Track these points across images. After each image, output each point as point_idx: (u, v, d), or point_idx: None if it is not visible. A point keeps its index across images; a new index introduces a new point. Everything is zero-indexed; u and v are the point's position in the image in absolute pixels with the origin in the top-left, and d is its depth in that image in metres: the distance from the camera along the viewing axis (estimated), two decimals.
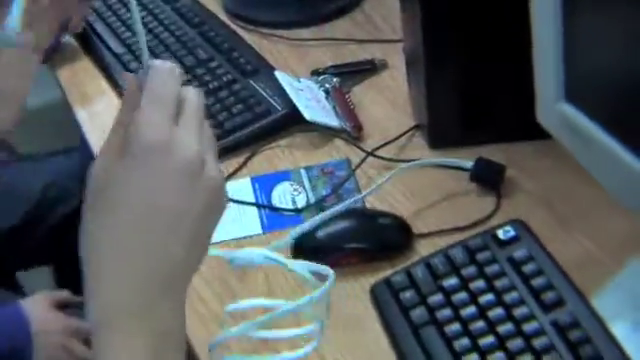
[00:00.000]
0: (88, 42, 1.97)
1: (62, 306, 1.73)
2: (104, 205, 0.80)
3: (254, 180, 1.50)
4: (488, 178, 1.42)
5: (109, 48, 1.91)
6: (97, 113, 1.80)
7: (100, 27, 1.97)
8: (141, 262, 0.80)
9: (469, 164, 1.43)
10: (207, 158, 0.82)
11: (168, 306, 0.81)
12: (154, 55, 1.72)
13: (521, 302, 1.18)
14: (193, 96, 0.86)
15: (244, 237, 1.41)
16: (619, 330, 1.14)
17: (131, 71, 1.77)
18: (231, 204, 1.45)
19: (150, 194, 0.79)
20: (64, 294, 1.77)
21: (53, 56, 1.91)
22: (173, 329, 0.82)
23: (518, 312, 1.17)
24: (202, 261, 0.85)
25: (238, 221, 1.44)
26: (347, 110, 1.59)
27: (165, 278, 0.81)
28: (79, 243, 0.79)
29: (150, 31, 1.88)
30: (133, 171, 0.79)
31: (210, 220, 0.84)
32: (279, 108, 1.58)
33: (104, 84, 1.84)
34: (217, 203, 0.84)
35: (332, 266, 1.28)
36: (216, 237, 1.35)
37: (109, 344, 0.79)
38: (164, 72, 0.84)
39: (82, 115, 1.79)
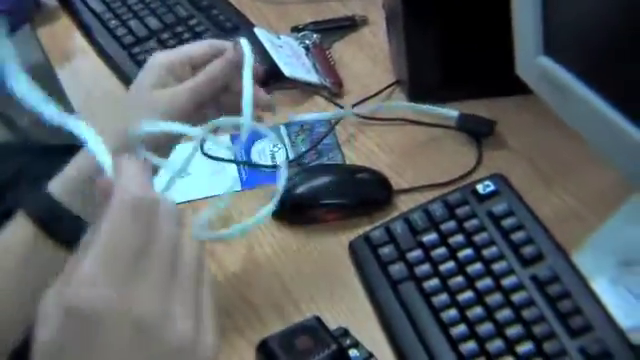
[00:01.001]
0: (67, 1, 1.95)
1: None
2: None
3: (234, 137, 1.51)
4: (476, 131, 1.44)
5: (89, 7, 1.90)
6: (78, 72, 1.78)
7: None
8: None
9: (453, 116, 1.45)
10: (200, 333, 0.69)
11: None
12: (135, 15, 1.72)
13: (500, 257, 1.18)
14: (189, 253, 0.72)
15: (223, 194, 1.38)
16: (598, 285, 1.15)
17: (109, 29, 1.76)
18: (210, 160, 1.46)
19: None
20: None
21: (33, 16, 1.88)
22: None
23: (497, 267, 1.17)
24: None
25: (217, 178, 1.45)
26: (327, 66, 1.60)
27: None
28: None
29: (151, 9, 1.85)
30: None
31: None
32: (258, 63, 1.56)
33: (84, 43, 1.82)
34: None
35: (311, 222, 1.28)
36: (195, 194, 1.35)
37: None
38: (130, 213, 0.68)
39: (63, 74, 1.77)
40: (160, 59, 1.13)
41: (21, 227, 1.01)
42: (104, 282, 0.64)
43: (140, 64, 1.56)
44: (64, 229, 1.01)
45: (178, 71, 1.13)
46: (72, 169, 1.05)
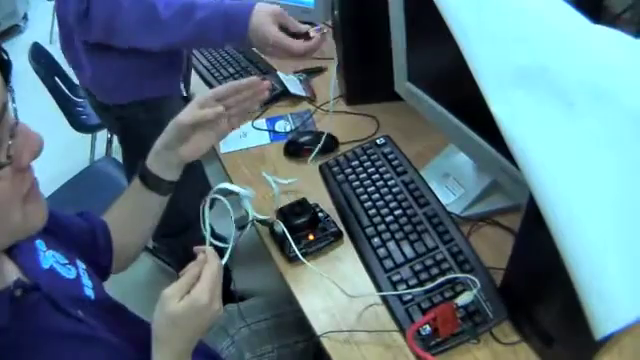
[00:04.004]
0: None
1: None
2: (167, 320, 0.74)
3: (267, 120, 1.46)
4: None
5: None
6: None
7: None
8: (180, 343, 0.76)
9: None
10: (214, 302, 0.77)
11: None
12: (224, 68, 1.65)
13: (387, 172, 1.18)
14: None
15: (262, 144, 1.38)
16: (433, 185, 1.15)
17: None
18: (255, 130, 1.42)
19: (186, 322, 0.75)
20: None
21: None
22: None
23: (385, 176, 1.18)
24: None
25: (259, 138, 1.40)
26: (309, 88, 1.56)
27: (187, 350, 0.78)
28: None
29: (229, 63, 1.71)
30: (183, 312, 0.74)
31: (205, 327, 0.78)
32: (278, 87, 1.54)
33: None
34: (210, 320, 0.77)
35: (301, 156, 1.25)
36: (246, 143, 1.35)
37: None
38: (213, 275, 0.77)
39: None
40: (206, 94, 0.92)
41: (135, 180, 0.95)
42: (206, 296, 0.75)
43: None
44: (150, 181, 0.94)
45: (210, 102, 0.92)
46: (156, 146, 0.92)
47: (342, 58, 1.40)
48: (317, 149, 1.28)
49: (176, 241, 1.60)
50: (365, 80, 1.41)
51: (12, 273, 0.71)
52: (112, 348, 0.76)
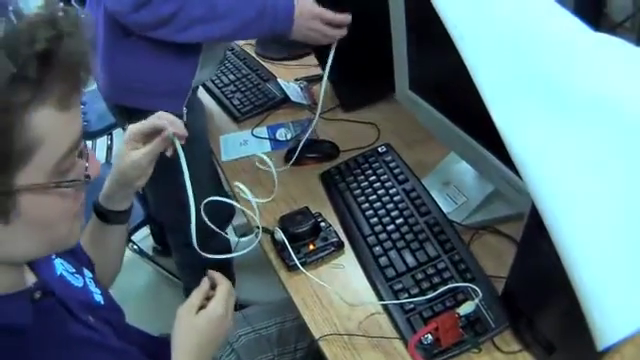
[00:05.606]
0: None
1: None
2: (187, 331, 0.83)
3: (268, 127, 1.46)
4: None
5: None
6: None
7: None
8: (199, 352, 0.82)
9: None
10: (228, 314, 0.87)
11: None
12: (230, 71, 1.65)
13: (388, 180, 1.18)
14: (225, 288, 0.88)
15: (264, 152, 1.34)
16: (434, 194, 1.15)
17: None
18: (256, 138, 1.42)
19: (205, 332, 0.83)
20: None
21: None
22: None
23: (387, 184, 1.18)
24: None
25: (260, 146, 1.40)
26: (310, 96, 1.56)
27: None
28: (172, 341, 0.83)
29: (229, 70, 1.70)
30: (201, 323, 0.83)
31: (221, 339, 0.87)
32: (279, 95, 1.54)
33: None
34: (225, 333, 0.87)
35: (303, 165, 1.27)
36: (247, 151, 1.35)
37: None
38: (226, 291, 0.87)
39: None
40: (129, 130, 0.90)
41: (93, 218, 0.96)
42: (220, 312, 0.85)
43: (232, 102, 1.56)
44: (110, 217, 0.94)
45: (139, 137, 0.89)
46: (109, 189, 0.93)
47: (335, 64, 1.39)
48: (296, 153, 1.29)
49: (179, 235, 1.63)
50: (358, 83, 1.40)
51: (31, 276, 0.73)
52: (123, 355, 0.77)
